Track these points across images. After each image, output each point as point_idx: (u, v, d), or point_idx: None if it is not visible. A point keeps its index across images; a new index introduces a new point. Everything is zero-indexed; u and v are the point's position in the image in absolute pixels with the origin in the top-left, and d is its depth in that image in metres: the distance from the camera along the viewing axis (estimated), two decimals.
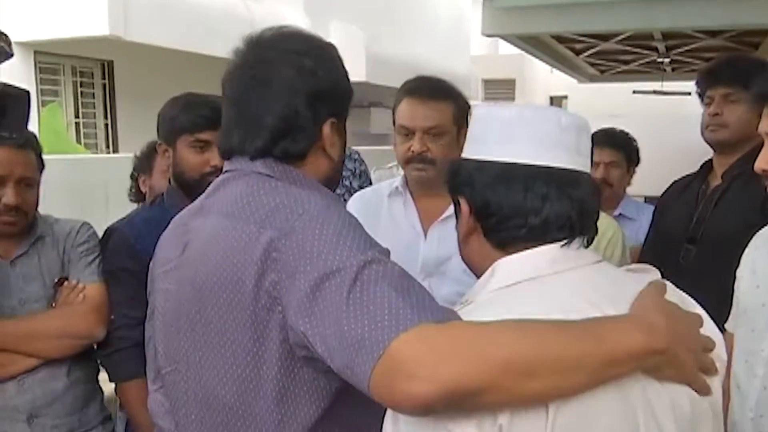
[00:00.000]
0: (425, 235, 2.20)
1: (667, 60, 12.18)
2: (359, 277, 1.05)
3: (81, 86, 9.47)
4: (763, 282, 1.65)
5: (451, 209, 2.10)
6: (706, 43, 10.20)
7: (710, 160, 2.62)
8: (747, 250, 1.78)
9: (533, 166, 1.14)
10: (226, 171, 1.35)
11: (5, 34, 1.76)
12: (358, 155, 3.29)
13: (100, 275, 2.16)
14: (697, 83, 2.60)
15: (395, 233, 2.20)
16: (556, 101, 26.98)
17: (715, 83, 2.48)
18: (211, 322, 1.22)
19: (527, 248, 1.18)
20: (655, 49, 11.87)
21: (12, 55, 1.81)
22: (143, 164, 3.02)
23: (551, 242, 1.18)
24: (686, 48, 10.78)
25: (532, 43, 10.27)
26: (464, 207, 1.22)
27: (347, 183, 3.09)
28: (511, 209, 1.16)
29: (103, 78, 9.36)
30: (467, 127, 2.20)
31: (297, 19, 8.13)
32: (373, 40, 11.76)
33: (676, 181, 2.87)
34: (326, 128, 1.32)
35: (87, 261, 2.12)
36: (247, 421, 1.19)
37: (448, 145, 2.11)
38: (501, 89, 21.50)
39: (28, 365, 1.96)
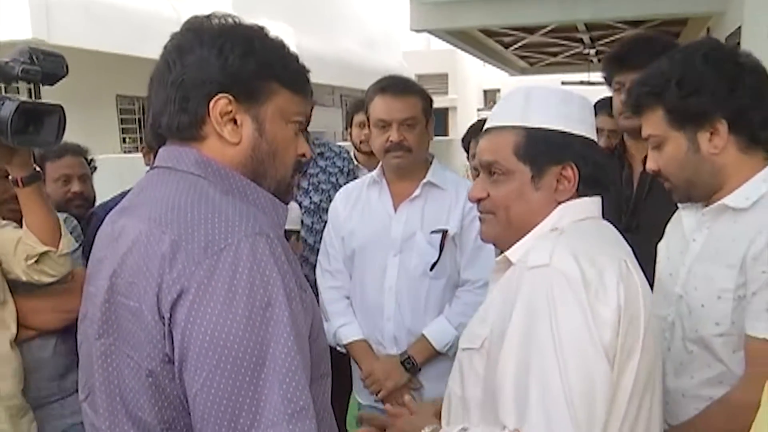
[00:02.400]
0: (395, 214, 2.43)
1: (592, 51, 12.53)
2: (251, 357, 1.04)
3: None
4: (672, 254, 1.76)
5: (418, 191, 2.36)
6: (628, 34, 10.55)
7: (622, 143, 2.57)
8: (668, 226, 1.87)
9: (587, 137, 1.39)
10: (155, 165, 1.28)
11: (55, 55, 1.86)
12: (348, 153, 3.36)
13: (83, 260, 2.27)
14: (603, 69, 2.50)
15: (371, 217, 2.44)
16: (489, 94, 27.42)
17: (621, 68, 2.36)
18: (119, 332, 1.16)
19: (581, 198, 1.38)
20: (581, 41, 12.20)
21: (64, 76, 1.88)
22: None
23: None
24: (610, 39, 11.11)
25: (462, 38, 10.44)
26: (569, 172, 1.35)
27: (334, 180, 3.12)
28: (604, 167, 1.41)
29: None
30: (432, 117, 2.40)
31: None
32: (303, 36, 11.76)
33: None
34: (214, 105, 1.19)
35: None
36: None
37: (420, 134, 2.35)
38: (434, 84, 21.71)
39: (27, 335, 2.13)
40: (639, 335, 1.23)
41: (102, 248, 1.26)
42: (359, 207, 2.48)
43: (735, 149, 1.57)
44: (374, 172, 2.48)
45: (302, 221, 2.85)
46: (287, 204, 1.32)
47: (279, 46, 1.26)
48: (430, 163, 2.43)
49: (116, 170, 4.30)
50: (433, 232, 2.32)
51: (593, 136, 1.40)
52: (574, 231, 1.31)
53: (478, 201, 1.42)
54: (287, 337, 1.06)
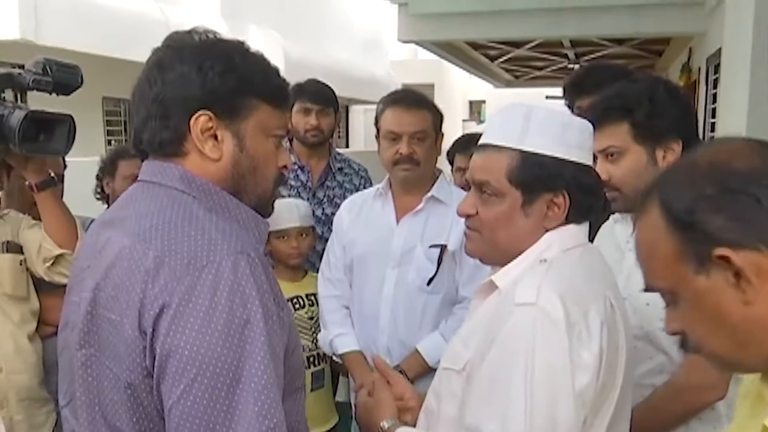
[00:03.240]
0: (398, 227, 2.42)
1: (577, 66, 12.64)
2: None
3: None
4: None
5: (421, 204, 2.34)
6: (612, 51, 10.66)
7: None
8: (596, 239, 2.02)
9: (582, 164, 1.37)
10: (140, 179, 1.28)
11: (69, 66, 1.92)
12: (366, 173, 3.35)
13: None
14: (563, 96, 2.70)
15: (373, 228, 2.44)
16: (474, 105, 27.51)
17: (580, 94, 2.55)
18: (99, 344, 1.17)
19: (570, 224, 1.38)
20: (566, 56, 12.32)
21: (79, 86, 1.97)
22: (107, 168, 3.04)
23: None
24: (595, 55, 11.25)
25: (448, 49, 10.49)
26: (561, 199, 1.34)
27: (348, 196, 3.09)
28: (597, 195, 1.41)
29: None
30: (442, 133, 2.41)
31: (213, 23, 8.09)
32: (292, 44, 11.78)
33: None
34: (195, 122, 1.20)
35: None
36: None
37: (430, 149, 2.35)
38: None
39: (47, 332, 2.22)
40: (618, 374, 1.27)
41: (86, 258, 1.27)
42: (362, 217, 2.48)
43: None
44: (381, 184, 2.48)
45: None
46: (267, 218, 1.34)
47: (259, 61, 1.27)
48: (437, 177, 2.42)
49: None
50: (431, 246, 2.31)
51: (589, 161, 1.39)
52: (561, 263, 1.31)
53: (467, 217, 1.41)
54: (264, 355, 1.08)
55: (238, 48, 1.26)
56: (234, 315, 1.07)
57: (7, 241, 2.18)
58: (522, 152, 1.33)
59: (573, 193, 1.34)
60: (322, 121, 3.11)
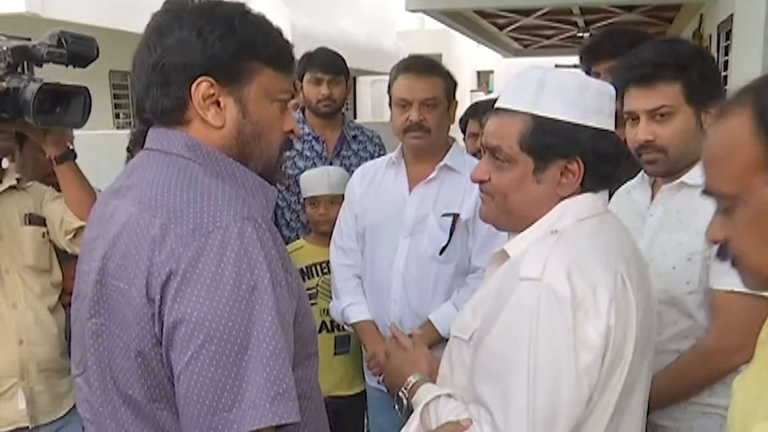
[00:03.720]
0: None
1: (586, 34, 12.49)
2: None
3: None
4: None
5: (434, 173, 2.30)
6: (622, 18, 10.55)
7: None
8: (609, 206, 2.00)
9: (601, 129, 1.31)
10: (145, 147, 1.26)
11: (85, 38, 1.93)
12: (379, 139, 3.33)
13: None
14: (580, 60, 2.63)
15: (385, 197, 2.40)
16: (482, 76, 27.35)
17: (596, 58, 2.50)
18: (109, 312, 1.17)
19: (587, 192, 1.33)
20: (575, 24, 12.20)
21: (95, 58, 1.98)
22: (137, 139, 3.05)
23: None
24: (604, 23, 11.13)
25: (457, 19, 10.41)
26: (575, 166, 1.29)
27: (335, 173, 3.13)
28: (615, 161, 1.34)
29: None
30: (456, 101, 2.36)
31: None
32: (299, 15, 11.70)
33: None
34: (196, 89, 1.18)
35: None
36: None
37: (441, 116, 2.30)
38: None
39: (68, 301, 2.24)
40: (626, 352, 1.23)
41: (94, 228, 1.26)
42: (374, 186, 2.45)
43: None
44: (393, 153, 2.45)
45: None
46: (275, 184, 1.32)
47: (261, 23, 1.24)
48: (450, 146, 2.38)
49: (109, 146, 4.31)
50: (444, 215, 2.27)
51: (610, 126, 1.33)
52: (572, 235, 1.27)
53: (480, 182, 1.38)
54: (272, 321, 1.07)
55: (239, 10, 1.22)
56: (241, 281, 1.07)
57: (30, 213, 2.21)
58: (535, 117, 1.29)
59: (589, 160, 1.29)
60: (334, 90, 3.08)
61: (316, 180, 2.73)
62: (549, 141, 1.28)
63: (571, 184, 1.30)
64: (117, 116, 10.65)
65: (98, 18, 7.92)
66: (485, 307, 1.31)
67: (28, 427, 2.14)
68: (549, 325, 1.17)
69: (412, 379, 1.44)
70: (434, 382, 1.43)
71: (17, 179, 2.21)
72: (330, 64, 3.11)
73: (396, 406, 1.48)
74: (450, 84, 2.34)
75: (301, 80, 3.10)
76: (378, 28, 16.37)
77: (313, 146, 3.11)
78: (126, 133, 3.12)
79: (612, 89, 1.36)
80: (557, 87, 1.30)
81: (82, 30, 1.96)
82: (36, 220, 2.21)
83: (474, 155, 2.68)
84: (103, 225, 1.22)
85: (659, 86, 1.72)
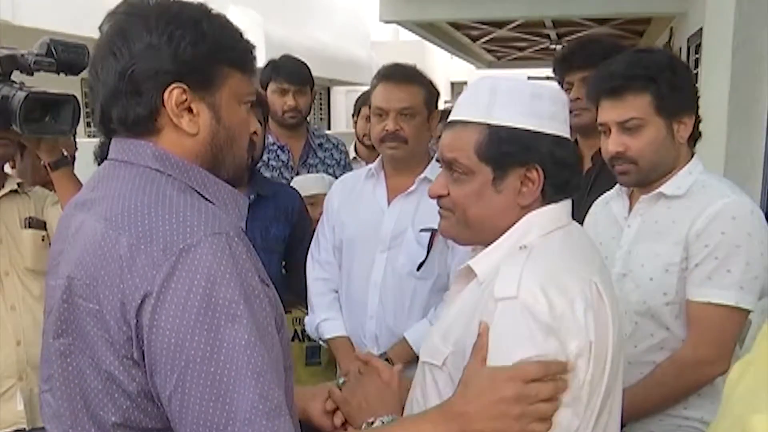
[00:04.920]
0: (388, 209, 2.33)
1: (558, 47, 12.64)
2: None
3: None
4: (604, 240, 1.92)
5: (414, 186, 2.23)
6: (594, 31, 10.66)
7: (575, 142, 2.74)
8: (587, 218, 2.04)
9: (558, 136, 1.30)
10: (110, 158, 1.23)
11: (76, 45, 1.94)
12: (344, 146, 3.34)
13: None
14: (553, 70, 2.64)
15: (364, 210, 2.34)
16: (456, 87, 27.45)
17: (570, 69, 2.50)
18: (77, 332, 1.13)
19: (550, 203, 1.31)
20: (548, 37, 12.32)
21: (86, 66, 1.99)
22: (104, 150, 3.01)
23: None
24: (576, 35, 11.24)
25: (430, 30, 10.45)
26: (534, 174, 1.27)
27: (331, 171, 3.11)
28: (573, 168, 1.33)
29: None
30: (437, 110, 2.31)
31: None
32: (273, 25, 11.67)
33: None
34: (169, 96, 1.15)
35: None
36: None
37: (419, 126, 2.24)
38: None
39: None
40: (606, 365, 1.21)
41: (60, 242, 1.23)
42: (353, 198, 2.38)
43: (687, 142, 1.80)
44: (373, 165, 2.38)
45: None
46: (238, 187, 1.29)
47: (225, 25, 1.22)
48: (432, 158, 2.28)
49: (81, 155, 4.25)
50: (422, 230, 2.21)
51: (566, 132, 1.31)
52: (542, 250, 1.25)
53: (439, 197, 1.35)
54: (253, 335, 1.05)
55: (204, 12, 1.19)
56: (217, 297, 1.04)
57: (30, 217, 2.25)
58: (490, 126, 1.26)
59: (547, 167, 1.26)
60: (300, 101, 3.07)
61: (314, 181, 2.84)
62: (507, 149, 1.26)
63: (531, 192, 1.28)
64: (89, 124, 10.52)
65: (71, 25, 7.82)
66: (456, 331, 1.27)
67: (25, 429, 2.15)
68: (526, 345, 1.15)
69: (383, 420, 1.36)
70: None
71: (18, 184, 2.26)
72: (296, 74, 3.09)
73: None
74: (431, 93, 2.29)
75: (265, 88, 3.09)
76: (352, 39, 16.39)
77: (278, 155, 3.09)
78: (99, 141, 3.07)
79: (565, 96, 1.37)
80: (510, 95, 1.28)
81: (54, 37, 1.95)
82: (36, 223, 2.25)
83: None
84: (67, 239, 1.19)
85: (628, 98, 1.73)
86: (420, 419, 1.25)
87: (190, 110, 1.17)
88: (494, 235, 1.30)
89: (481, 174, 1.28)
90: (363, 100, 3.66)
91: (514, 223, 1.29)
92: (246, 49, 1.24)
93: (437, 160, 1.39)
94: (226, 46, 1.19)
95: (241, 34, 1.24)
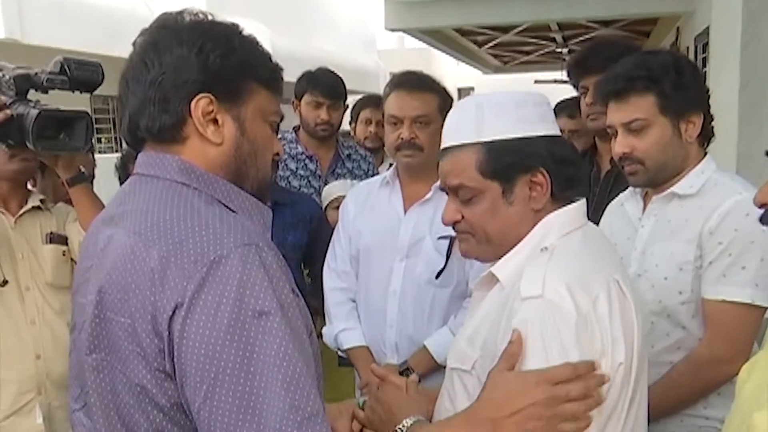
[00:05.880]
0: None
1: (565, 50, 12.61)
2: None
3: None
4: (619, 240, 1.91)
5: (430, 193, 2.22)
6: (600, 33, 10.65)
7: (594, 146, 2.73)
8: (603, 218, 2.04)
9: (550, 135, 1.33)
10: (136, 172, 1.24)
11: (89, 63, 1.96)
12: (372, 158, 3.39)
13: None
14: (568, 75, 2.64)
15: (380, 218, 2.33)
16: (463, 93, 27.45)
17: (584, 73, 2.50)
18: (110, 347, 1.14)
19: (565, 205, 1.33)
20: (553, 40, 12.29)
21: (100, 83, 2.00)
22: (126, 165, 3.02)
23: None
24: (582, 38, 11.23)
25: (436, 37, 10.46)
26: (540, 177, 1.29)
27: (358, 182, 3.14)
28: (574, 163, 1.35)
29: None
30: None
31: None
32: (280, 37, 11.71)
33: None
34: (196, 105, 1.17)
35: None
36: None
37: (434, 134, 2.17)
38: None
39: None
40: (634, 360, 1.22)
41: (88, 258, 1.24)
42: (368, 206, 2.38)
43: (697, 141, 1.80)
44: (388, 172, 2.39)
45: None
46: (266, 204, 1.30)
47: (256, 45, 1.25)
48: None
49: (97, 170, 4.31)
50: (440, 237, 2.19)
51: (556, 131, 1.35)
52: (563, 250, 1.27)
53: (454, 223, 1.36)
54: (286, 344, 1.05)
55: (235, 30, 1.23)
56: (247, 308, 1.04)
57: (51, 232, 2.31)
58: (485, 143, 1.30)
59: (550, 167, 1.29)
60: (333, 115, 3.10)
61: (339, 186, 2.87)
62: (507, 160, 1.29)
63: (541, 195, 1.30)
64: (99, 140, 10.58)
65: (78, 43, 7.88)
66: (483, 334, 1.28)
67: None
68: (556, 342, 1.15)
69: (408, 422, 1.35)
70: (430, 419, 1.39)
71: (41, 200, 2.32)
72: (332, 89, 3.12)
73: None
74: (445, 100, 2.28)
75: (299, 99, 3.11)
76: (359, 48, 16.44)
77: (306, 165, 3.11)
78: (107, 157, 3.09)
79: (545, 98, 1.38)
80: (496, 110, 1.31)
81: (62, 55, 1.97)
82: (57, 239, 2.30)
83: None
84: (96, 254, 1.20)
85: (632, 99, 1.74)
86: (446, 424, 1.25)
87: (215, 121, 1.20)
88: (514, 244, 1.32)
89: (489, 191, 1.31)
90: (361, 105, 3.74)
91: (532, 228, 1.31)
92: (274, 71, 1.27)
93: (441, 189, 1.40)
94: (255, 63, 1.23)
95: (270, 57, 1.27)
